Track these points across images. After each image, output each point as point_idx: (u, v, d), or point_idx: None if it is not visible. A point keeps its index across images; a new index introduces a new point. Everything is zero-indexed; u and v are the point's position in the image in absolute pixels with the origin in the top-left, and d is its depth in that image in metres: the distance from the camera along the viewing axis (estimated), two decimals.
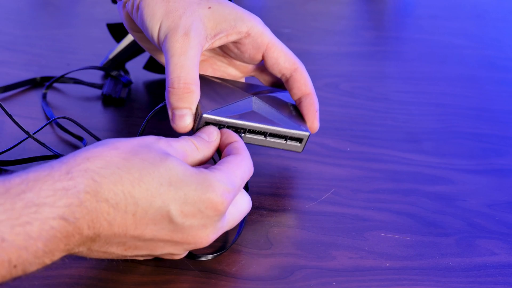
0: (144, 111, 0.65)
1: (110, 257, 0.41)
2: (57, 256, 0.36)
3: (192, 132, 0.49)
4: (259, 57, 0.54)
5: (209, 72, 0.57)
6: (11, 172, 0.50)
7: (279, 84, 0.58)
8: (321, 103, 0.55)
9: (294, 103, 0.55)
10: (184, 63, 0.48)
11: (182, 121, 0.48)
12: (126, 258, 0.42)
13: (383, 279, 0.46)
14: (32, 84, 0.68)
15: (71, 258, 0.41)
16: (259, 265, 0.46)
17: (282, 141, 0.52)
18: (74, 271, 0.43)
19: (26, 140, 0.56)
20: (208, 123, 0.48)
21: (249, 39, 0.52)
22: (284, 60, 0.54)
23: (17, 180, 0.35)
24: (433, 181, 0.58)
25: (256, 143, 0.51)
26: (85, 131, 0.54)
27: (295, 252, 0.47)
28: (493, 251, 0.49)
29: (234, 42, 0.53)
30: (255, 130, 0.50)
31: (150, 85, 0.71)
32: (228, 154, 0.45)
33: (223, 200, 0.41)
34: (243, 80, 0.59)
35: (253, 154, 0.56)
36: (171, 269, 0.44)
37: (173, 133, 0.49)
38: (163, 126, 0.61)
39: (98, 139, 0.54)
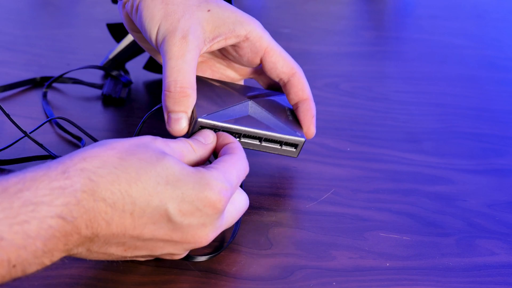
0: (144, 111, 0.65)
1: (110, 258, 0.41)
2: (56, 256, 0.36)
3: (187, 135, 0.49)
4: (257, 61, 0.54)
5: (207, 73, 0.57)
6: (9, 171, 0.50)
7: (278, 87, 0.58)
8: (321, 103, 0.55)
9: (291, 107, 0.55)
10: (181, 66, 0.48)
11: (177, 125, 0.48)
12: (126, 259, 0.42)
13: (383, 279, 0.46)
14: (32, 84, 0.68)
15: (71, 258, 0.41)
16: (259, 265, 0.46)
17: (277, 146, 0.52)
18: (74, 271, 0.43)
19: (25, 140, 0.56)
20: (203, 127, 0.49)
21: (247, 43, 0.52)
22: (282, 64, 0.53)
23: (14, 180, 0.36)
24: (433, 181, 0.58)
25: (251, 148, 0.51)
26: (81, 131, 0.54)
27: (295, 252, 0.47)
28: (493, 251, 0.49)
29: (233, 46, 0.53)
30: (250, 135, 0.50)
31: (150, 85, 0.71)
32: (224, 154, 0.45)
33: (221, 198, 0.41)
34: (242, 82, 0.59)
35: (253, 154, 0.56)
36: (171, 269, 0.44)
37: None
38: (163, 126, 0.61)
39: (94, 140, 0.54)
